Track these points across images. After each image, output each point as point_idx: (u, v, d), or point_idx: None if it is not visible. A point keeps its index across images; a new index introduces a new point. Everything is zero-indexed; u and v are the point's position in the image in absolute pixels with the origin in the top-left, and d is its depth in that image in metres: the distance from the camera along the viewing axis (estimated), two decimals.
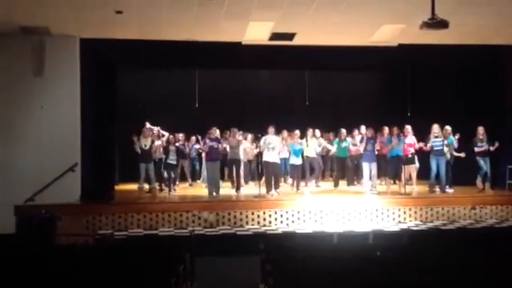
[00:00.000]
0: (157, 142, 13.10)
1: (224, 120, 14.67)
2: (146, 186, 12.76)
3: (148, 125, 13.30)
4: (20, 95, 11.91)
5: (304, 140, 13.50)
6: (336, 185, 14.13)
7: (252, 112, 16.00)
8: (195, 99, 14.75)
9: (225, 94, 16.39)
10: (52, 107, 11.96)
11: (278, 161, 12.89)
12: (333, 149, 14.52)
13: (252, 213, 11.37)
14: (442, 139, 12.72)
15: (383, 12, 10.85)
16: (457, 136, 12.94)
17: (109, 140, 13.47)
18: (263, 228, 11.06)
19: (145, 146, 12.52)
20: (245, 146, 13.89)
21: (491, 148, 12.70)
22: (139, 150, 12.49)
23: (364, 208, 11.65)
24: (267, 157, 12.53)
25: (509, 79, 13.86)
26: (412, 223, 11.53)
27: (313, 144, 13.85)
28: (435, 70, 14.51)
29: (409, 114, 14.82)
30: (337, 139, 14.38)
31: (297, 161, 13.19)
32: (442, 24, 8.33)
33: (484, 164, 12.69)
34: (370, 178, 12.88)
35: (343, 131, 14.20)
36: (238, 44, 12.79)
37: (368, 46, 13.04)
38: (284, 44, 12.82)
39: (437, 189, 12.86)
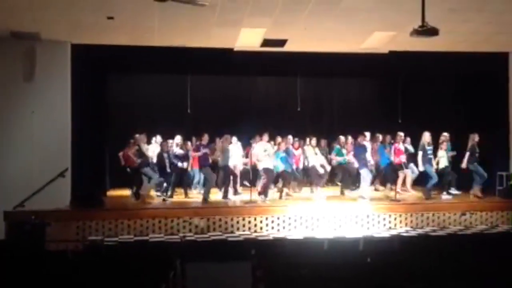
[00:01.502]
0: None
1: (216, 126, 14.67)
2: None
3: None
4: (10, 100, 11.87)
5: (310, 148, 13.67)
6: (341, 192, 13.96)
7: (244, 118, 16.00)
8: (187, 105, 14.75)
9: (217, 100, 16.40)
10: (43, 112, 11.92)
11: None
12: (332, 162, 14.45)
13: (243, 219, 11.36)
14: (433, 147, 12.81)
15: (374, 19, 10.92)
16: (452, 153, 13.07)
17: (100, 145, 13.45)
18: (254, 234, 11.05)
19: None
20: (237, 153, 13.85)
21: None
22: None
23: (355, 214, 11.67)
24: (267, 163, 12.60)
25: (500, 86, 13.95)
26: (402, 229, 11.56)
27: (311, 153, 13.85)
28: (426, 77, 14.59)
29: (400, 121, 14.88)
30: (338, 146, 14.34)
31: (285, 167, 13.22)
32: (432, 32, 8.39)
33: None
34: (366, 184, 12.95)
35: (342, 138, 14.22)
36: (230, 50, 12.82)
37: (359, 53, 13.11)
38: (276, 50, 12.87)
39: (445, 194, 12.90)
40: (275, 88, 16.88)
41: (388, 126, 14.64)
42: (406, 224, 11.74)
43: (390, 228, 11.64)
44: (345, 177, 14.09)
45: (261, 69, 14.15)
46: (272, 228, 11.39)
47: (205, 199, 12.40)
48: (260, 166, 12.91)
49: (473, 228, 11.75)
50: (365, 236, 9.99)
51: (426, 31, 8.36)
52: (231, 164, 13.22)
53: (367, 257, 6.60)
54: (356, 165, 13.23)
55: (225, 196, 12.87)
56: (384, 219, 11.73)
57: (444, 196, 12.84)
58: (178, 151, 13.43)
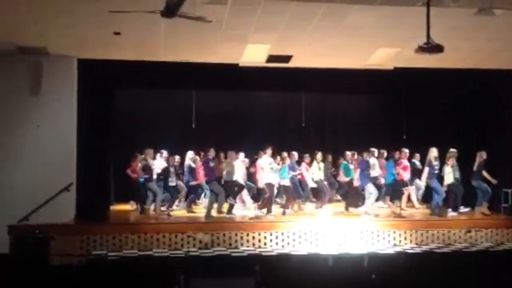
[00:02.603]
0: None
1: (221, 141, 14.70)
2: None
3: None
4: (16, 114, 11.93)
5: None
6: (346, 208, 13.88)
7: (248, 133, 16.03)
8: (192, 120, 14.79)
9: (222, 115, 16.44)
10: (48, 126, 11.97)
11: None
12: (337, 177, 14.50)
13: (247, 235, 11.33)
14: (440, 163, 12.78)
15: (378, 35, 10.97)
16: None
17: (104, 160, 13.47)
18: (258, 250, 11.02)
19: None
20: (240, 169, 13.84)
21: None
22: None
23: (360, 230, 11.63)
24: (270, 178, 12.62)
25: (504, 103, 13.96)
26: (407, 245, 11.51)
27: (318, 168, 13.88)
28: (430, 93, 14.60)
29: (404, 137, 14.88)
30: (345, 162, 14.35)
31: (286, 182, 13.21)
32: (437, 49, 8.42)
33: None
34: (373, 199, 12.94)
35: (348, 153, 14.19)
36: (236, 66, 12.88)
37: (364, 69, 13.14)
38: (281, 66, 12.92)
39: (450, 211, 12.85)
40: (280, 104, 16.93)
41: (392, 142, 14.64)
42: (411, 241, 11.69)
43: (395, 244, 11.59)
44: (350, 193, 14.07)
45: (266, 85, 14.20)
46: (277, 244, 11.35)
47: (220, 211, 12.55)
48: (264, 181, 12.89)
49: (478, 245, 11.69)
50: (370, 253, 9.95)
51: (431, 48, 8.39)
52: (235, 179, 13.25)
53: (372, 274, 6.57)
54: (359, 181, 13.23)
55: (230, 211, 12.87)
56: (389, 235, 11.68)
57: (450, 213, 12.77)
58: (192, 165, 13.44)
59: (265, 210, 12.54)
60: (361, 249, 10.87)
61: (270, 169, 12.57)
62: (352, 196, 14.07)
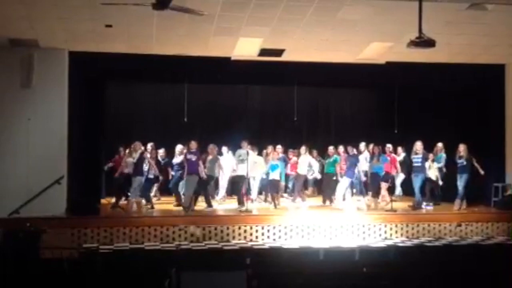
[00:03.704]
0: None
1: (213, 135, 14.69)
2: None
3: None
4: (7, 107, 11.85)
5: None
6: (324, 201, 14.07)
7: (240, 127, 16.02)
8: (184, 114, 14.76)
9: (214, 109, 16.43)
10: (39, 119, 11.90)
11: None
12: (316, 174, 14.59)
13: (239, 228, 11.35)
14: (422, 157, 12.86)
15: (371, 30, 10.98)
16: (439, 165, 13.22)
17: (96, 153, 13.43)
18: (250, 243, 11.04)
19: (134, 159, 12.53)
20: (227, 163, 13.87)
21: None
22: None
23: (351, 224, 11.67)
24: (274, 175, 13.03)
25: (497, 97, 14.01)
26: (398, 239, 11.56)
27: (306, 161, 13.89)
28: (422, 87, 14.64)
29: (396, 131, 14.93)
30: (335, 156, 14.40)
31: (275, 176, 13.26)
32: (429, 43, 8.43)
33: (460, 182, 12.82)
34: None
35: (331, 148, 14.26)
36: (228, 59, 12.85)
37: (356, 64, 13.15)
38: (273, 60, 12.90)
39: (424, 205, 13.00)
40: (272, 98, 16.92)
41: (384, 136, 14.69)
42: (401, 235, 11.75)
43: (385, 238, 11.64)
44: (327, 187, 14.17)
45: (258, 79, 14.18)
46: (268, 237, 11.38)
47: (184, 207, 12.26)
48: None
49: (469, 239, 11.77)
50: (361, 246, 10.00)
51: (423, 42, 8.40)
52: (218, 174, 13.35)
53: (363, 267, 6.61)
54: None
55: (209, 205, 12.87)
56: (380, 229, 11.73)
57: (426, 207, 13.06)
58: (177, 159, 13.41)
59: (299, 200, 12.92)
60: (352, 243, 10.92)
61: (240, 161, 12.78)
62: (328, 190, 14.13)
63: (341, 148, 14.16)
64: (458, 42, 11.59)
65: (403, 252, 8.89)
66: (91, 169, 13.05)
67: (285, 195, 14.93)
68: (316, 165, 14.34)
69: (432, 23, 9.07)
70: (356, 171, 13.32)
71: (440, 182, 13.61)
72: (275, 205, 13.09)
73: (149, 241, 11.01)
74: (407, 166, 14.07)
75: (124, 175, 12.86)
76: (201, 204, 12.98)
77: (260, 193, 14.44)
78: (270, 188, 13.58)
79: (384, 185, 13.31)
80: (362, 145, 14.19)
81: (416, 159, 12.93)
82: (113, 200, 13.08)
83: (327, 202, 13.79)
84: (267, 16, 10.17)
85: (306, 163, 13.95)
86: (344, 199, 13.25)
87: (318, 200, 14.63)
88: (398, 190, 15.07)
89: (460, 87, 14.28)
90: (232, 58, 12.85)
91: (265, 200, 14.15)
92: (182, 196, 12.96)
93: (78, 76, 12.46)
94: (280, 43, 11.94)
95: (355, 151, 13.62)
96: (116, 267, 6.63)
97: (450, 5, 9.46)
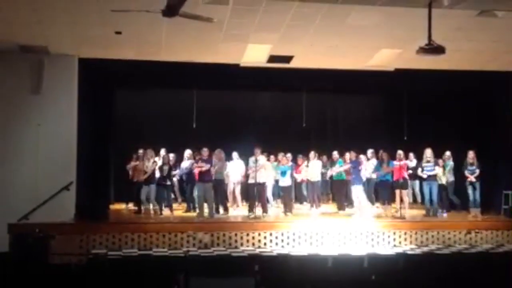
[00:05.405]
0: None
1: (221, 141, 14.68)
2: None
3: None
4: (17, 113, 11.92)
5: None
6: (339, 208, 13.90)
7: (249, 133, 16.03)
8: (193, 120, 14.78)
9: (223, 115, 16.46)
10: (49, 125, 11.96)
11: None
12: (328, 172, 14.51)
13: (247, 235, 11.32)
14: (434, 164, 12.80)
15: (380, 36, 10.96)
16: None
17: (105, 159, 13.48)
18: (258, 250, 11.01)
19: (147, 167, 12.64)
20: (235, 169, 13.86)
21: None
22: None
23: (360, 231, 11.62)
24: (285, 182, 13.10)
25: (505, 104, 13.95)
26: (407, 247, 11.49)
27: (316, 167, 13.83)
28: (431, 94, 14.61)
29: (405, 138, 14.88)
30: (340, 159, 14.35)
31: (285, 183, 13.21)
32: (438, 50, 8.42)
33: (472, 191, 12.75)
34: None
35: (335, 153, 14.22)
36: (236, 66, 12.87)
37: (365, 70, 13.13)
38: (282, 66, 12.91)
39: (439, 213, 12.94)
40: (281, 104, 16.92)
41: (393, 143, 14.63)
42: (410, 242, 11.68)
43: (394, 245, 11.58)
44: (338, 194, 14.09)
45: (267, 85, 14.21)
46: (276, 244, 11.35)
47: (211, 215, 12.33)
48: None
49: (478, 246, 11.68)
50: (370, 254, 9.93)
51: (433, 49, 8.39)
52: (227, 180, 13.30)
53: (372, 275, 6.57)
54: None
55: (225, 210, 12.86)
56: (389, 236, 11.67)
57: (442, 214, 12.97)
58: (186, 165, 13.41)
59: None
60: (361, 250, 10.86)
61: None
62: (339, 198, 14.06)
63: (346, 155, 14.06)
64: (468, 49, 11.55)
65: (412, 260, 8.81)
66: (100, 175, 13.11)
67: (305, 203, 14.91)
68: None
69: (442, 29, 9.04)
70: (361, 175, 13.17)
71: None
72: (285, 212, 13.05)
73: (157, 247, 11.00)
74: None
75: (139, 182, 12.91)
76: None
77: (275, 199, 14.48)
78: (283, 195, 13.55)
79: (403, 192, 13.08)
80: (370, 152, 14.10)
81: (428, 167, 12.83)
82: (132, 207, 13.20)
83: (341, 210, 13.68)
84: (276, 22, 10.18)
85: (317, 168, 13.85)
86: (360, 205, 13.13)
87: (331, 206, 14.56)
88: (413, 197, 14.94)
89: (469, 93, 14.24)
90: (241, 65, 12.87)
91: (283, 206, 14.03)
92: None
93: (87, 82, 12.52)
94: (288, 49, 11.95)
95: (362, 157, 13.54)
96: (124, 273, 6.63)
97: (460, 12, 9.43)
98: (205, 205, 12.53)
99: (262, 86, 14.42)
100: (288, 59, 12.56)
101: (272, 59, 12.49)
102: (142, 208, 12.84)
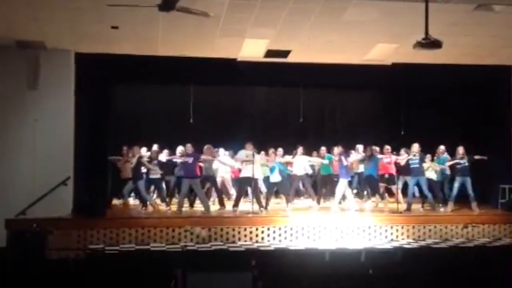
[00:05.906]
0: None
1: (218, 136, 14.68)
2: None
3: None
4: (14, 108, 11.90)
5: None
6: (318, 202, 13.86)
7: (246, 128, 16.01)
8: (190, 115, 14.76)
9: (220, 110, 16.42)
10: (46, 120, 11.95)
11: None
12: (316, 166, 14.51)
13: (245, 229, 11.34)
14: (419, 158, 12.77)
15: (377, 31, 10.96)
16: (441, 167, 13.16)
17: (102, 154, 13.45)
18: (256, 245, 11.03)
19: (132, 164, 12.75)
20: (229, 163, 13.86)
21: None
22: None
23: (357, 225, 11.64)
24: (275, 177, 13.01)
25: (503, 98, 13.96)
26: (404, 241, 11.52)
27: (302, 162, 13.80)
28: (428, 88, 14.60)
29: (402, 133, 14.88)
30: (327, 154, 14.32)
31: (275, 178, 13.22)
32: (435, 44, 8.41)
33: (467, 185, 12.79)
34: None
35: (323, 149, 14.22)
36: (234, 60, 12.86)
37: (363, 65, 13.13)
38: (279, 61, 12.90)
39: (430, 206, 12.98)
40: (278, 99, 16.89)
41: (390, 138, 14.64)
42: (408, 236, 11.71)
43: (392, 240, 11.60)
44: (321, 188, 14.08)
45: (264, 80, 14.19)
46: (274, 238, 11.36)
47: (206, 210, 12.28)
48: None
49: (476, 240, 11.71)
50: (367, 248, 9.96)
51: (430, 43, 8.38)
52: (217, 176, 13.33)
53: (369, 269, 6.59)
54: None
55: (220, 205, 12.88)
56: (386, 230, 11.70)
57: (441, 208, 12.99)
58: (178, 160, 13.42)
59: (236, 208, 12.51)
60: (358, 244, 10.89)
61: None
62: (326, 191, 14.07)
63: (335, 150, 13.98)
64: (465, 43, 11.56)
65: (409, 254, 8.85)
66: (97, 170, 13.07)
67: (302, 197, 14.91)
68: (307, 164, 14.16)
69: (439, 24, 9.03)
70: (348, 169, 13.12)
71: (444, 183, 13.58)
72: (287, 204, 13.13)
73: (155, 242, 11.02)
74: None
75: (127, 178, 12.93)
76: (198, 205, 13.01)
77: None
78: (280, 189, 13.60)
79: (393, 188, 13.08)
80: (360, 147, 14.04)
81: (414, 160, 12.81)
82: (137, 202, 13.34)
83: (321, 202, 13.67)
84: (273, 17, 10.17)
85: (301, 164, 13.81)
86: (344, 200, 13.16)
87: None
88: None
89: (466, 88, 14.25)
90: (238, 60, 12.85)
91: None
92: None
93: (84, 77, 12.49)
94: (286, 44, 11.94)
95: (353, 152, 13.56)
96: (122, 268, 6.64)
97: (457, 6, 9.43)
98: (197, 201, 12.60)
99: (259, 81, 14.40)
100: (285, 54, 12.55)
101: (270, 53, 12.48)
102: (148, 202, 12.90)
